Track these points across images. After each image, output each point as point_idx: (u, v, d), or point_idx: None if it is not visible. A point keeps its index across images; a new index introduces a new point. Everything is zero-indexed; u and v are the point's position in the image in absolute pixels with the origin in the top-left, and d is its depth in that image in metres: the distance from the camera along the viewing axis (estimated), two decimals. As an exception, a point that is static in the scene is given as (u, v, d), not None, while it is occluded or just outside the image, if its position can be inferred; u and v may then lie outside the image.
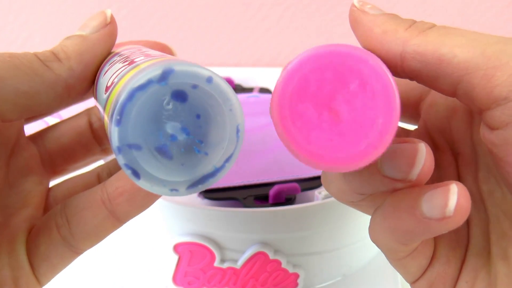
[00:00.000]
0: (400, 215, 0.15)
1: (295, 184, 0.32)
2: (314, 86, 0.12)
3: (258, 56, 0.72)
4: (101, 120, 0.21)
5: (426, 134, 0.20)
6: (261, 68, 0.68)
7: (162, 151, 0.14)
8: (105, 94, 0.16)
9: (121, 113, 0.13)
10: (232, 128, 0.15)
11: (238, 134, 0.15)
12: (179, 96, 0.14)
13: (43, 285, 0.19)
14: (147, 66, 0.14)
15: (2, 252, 0.18)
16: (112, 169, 0.22)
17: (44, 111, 0.17)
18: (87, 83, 0.18)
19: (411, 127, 0.21)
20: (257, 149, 0.36)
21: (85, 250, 0.19)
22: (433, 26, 0.15)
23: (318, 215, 0.29)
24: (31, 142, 0.21)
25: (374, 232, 0.17)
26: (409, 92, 0.20)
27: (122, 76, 0.15)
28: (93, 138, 0.22)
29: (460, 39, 0.15)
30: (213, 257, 0.30)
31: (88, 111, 0.22)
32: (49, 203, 0.21)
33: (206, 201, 0.32)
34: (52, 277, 0.20)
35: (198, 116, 0.14)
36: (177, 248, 0.29)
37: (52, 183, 0.22)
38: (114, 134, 0.13)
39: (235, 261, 0.30)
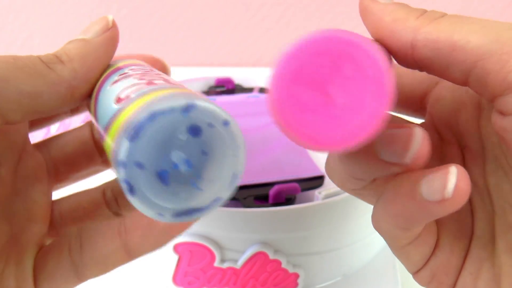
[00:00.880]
0: (400, 199, 0.15)
1: (295, 184, 0.32)
2: (310, 70, 0.13)
3: (258, 56, 0.72)
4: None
5: (433, 128, 0.20)
6: (261, 68, 0.68)
7: (161, 176, 0.14)
8: (115, 104, 0.16)
9: (138, 130, 0.13)
10: (230, 173, 0.15)
11: (234, 181, 0.15)
12: (194, 130, 0.14)
13: None
14: (172, 94, 0.15)
15: (11, 262, 0.18)
16: (115, 188, 0.22)
17: (47, 112, 0.17)
18: (90, 85, 0.18)
19: (418, 121, 0.21)
20: (257, 149, 0.36)
21: (90, 278, 0.20)
22: (444, 14, 0.15)
23: (318, 215, 0.29)
24: (37, 150, 0.21)
25: (376, 219, 0.17)
26: (415, 86, 0.20)
27: (142, 95, 0.15)
28: (95, 148, 0.23)
29: (473, 26, 0.14)
30: (213, 257, 0.30)
31: (90, 122, 0.23)
32: (54, 216, 0.21)
33: (206, 201, 0.32)
34: None
35: (204, 153, 0.15)
36: (177, 248, 0.29)
37: (55, 197, 0.22)
38: (123, 148, 0.13)
39: (235, 261, 0.30)
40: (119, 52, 0.19)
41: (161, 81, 0.16)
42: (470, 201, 0.18)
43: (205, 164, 0.15)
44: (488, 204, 0.18)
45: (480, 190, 0.18)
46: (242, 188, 0.32)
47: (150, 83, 0.16)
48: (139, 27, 0.70)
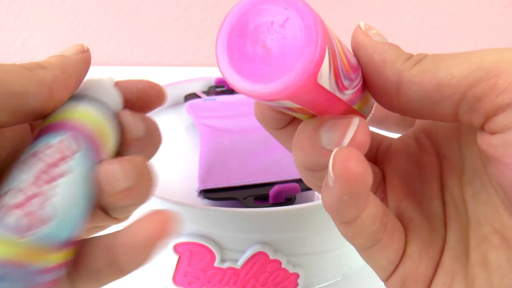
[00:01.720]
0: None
1: (295, 184, 0.32)
2: (252, 24, 0.14)
3: (258, 56, 0.72)
4: None
5: (412, 136, 0.20)
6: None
7: None
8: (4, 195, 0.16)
9: None
10: None
11: None
12: None
13: None
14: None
15: None
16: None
17: (30, 114, 0.18)
18: (67, 93, 0.19)
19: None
20: (257, 149, 0.36)
21: None
22: (425, 56, 0.16)
23: (318, 215, 0.29)
24: None
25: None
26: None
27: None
28: None
29: (454, 61, 0.15)
30: (213, 257, 0.30)
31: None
32: None
33: (206, 201, 0.32)
34: None
35: None
36: (177, 248, 0.29)
37: None
38: None
39: (235, 261, 0.30)
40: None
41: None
42: (444, 211, 0.19)
43: None
44: (463, 214, 0.18)
45: (455, 200, 0.18)
46: (242, 188, 0.32)
47: (33, 196, 0.16)
48: (139, 27, 0.70)
